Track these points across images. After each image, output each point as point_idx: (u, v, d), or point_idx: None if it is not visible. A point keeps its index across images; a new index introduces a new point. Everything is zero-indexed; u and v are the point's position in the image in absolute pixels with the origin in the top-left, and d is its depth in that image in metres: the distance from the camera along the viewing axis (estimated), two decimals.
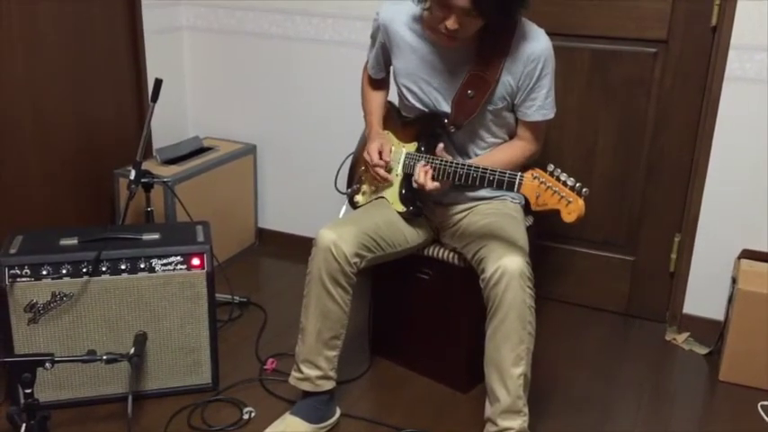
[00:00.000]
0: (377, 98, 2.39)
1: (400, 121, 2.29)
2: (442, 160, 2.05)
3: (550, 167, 1.82)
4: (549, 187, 1.80)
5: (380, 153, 2.20)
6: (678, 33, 2.58)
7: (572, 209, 1.77)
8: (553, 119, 2.17)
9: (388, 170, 2.22)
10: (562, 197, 1.78)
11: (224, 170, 3.14)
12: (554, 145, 2.77)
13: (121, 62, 3.03)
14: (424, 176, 2.05)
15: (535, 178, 1.83)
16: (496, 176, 1.92)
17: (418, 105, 2.20)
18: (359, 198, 2.36)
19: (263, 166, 3.36)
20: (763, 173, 2.53)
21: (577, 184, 1.78)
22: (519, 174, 1.87)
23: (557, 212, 1.80)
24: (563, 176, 1.80)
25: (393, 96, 2.38)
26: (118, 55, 3.01)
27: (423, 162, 2.08)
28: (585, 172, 2.83)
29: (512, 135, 2.23)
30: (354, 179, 2.42)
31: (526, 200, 1.89)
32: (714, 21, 2.51)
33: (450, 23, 1.93)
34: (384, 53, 2.28)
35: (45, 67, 2.70)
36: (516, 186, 1.88)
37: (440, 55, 2.12)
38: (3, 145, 2.58)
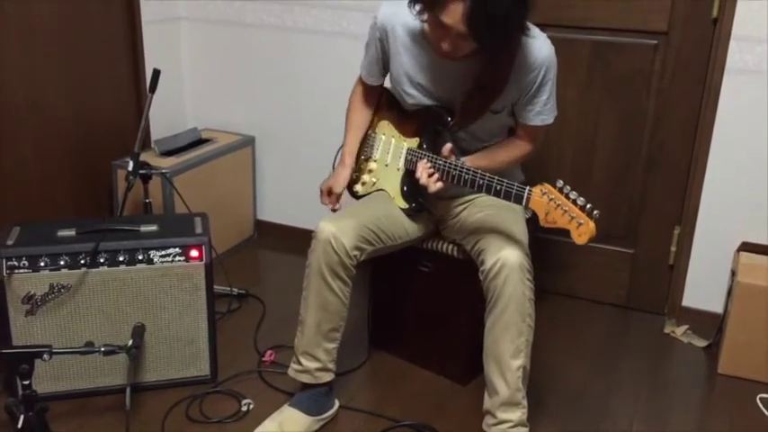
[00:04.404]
0: (363, 115, 2.33)
1: (401, 112, 2.26)
2: (446, 161, 2.02)
3: (560, 183, 1.80)
4: (559, 206, 1.78)
5: (330, 192, 2.28)
6: (679, 25, 2.57)
7: (583, 231, 1.76)
8: (552, 123, 2.15)
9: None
10: (573, 218, 1.77)
11: (222, 162, 3.13)
12: (554, 137, 2.77)
13: (119, 52, 3.02)
14: (426, 178, 2.03)
15: (544, 194, 1.81)
16: (504, 187, 1.90)
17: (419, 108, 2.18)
18: (358, 188, 2.35)
19: (261, 157, 3.35)
20: (762, 165, 2.52)
21: (588, 205, 1.76)
22: (527, 188, 1.85)
23: (566, 231, 1.78)
24: (573, 195, 1.78)
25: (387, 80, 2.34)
26: (115, 45, 3.00)
27: (426, 161, 2.06)
28: (585, 164, 2.82)
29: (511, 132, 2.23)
30: (353, 167, 2.40)
31: (536, 214, 1.87)
32: (715, 12, 2.50)
33: (446, 45, 1.89)
34: (383, 57, 2.21)
35: (42, 58, 2.69)
36: (524, 201, 1.86)
37: (444, 62, 2.04)
38: (0, 136, 2.57)
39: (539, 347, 2.11)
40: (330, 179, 2.32)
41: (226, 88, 3.34)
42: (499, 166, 2.12)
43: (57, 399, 2.19)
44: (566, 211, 1.78)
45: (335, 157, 2.47)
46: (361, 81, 2.34)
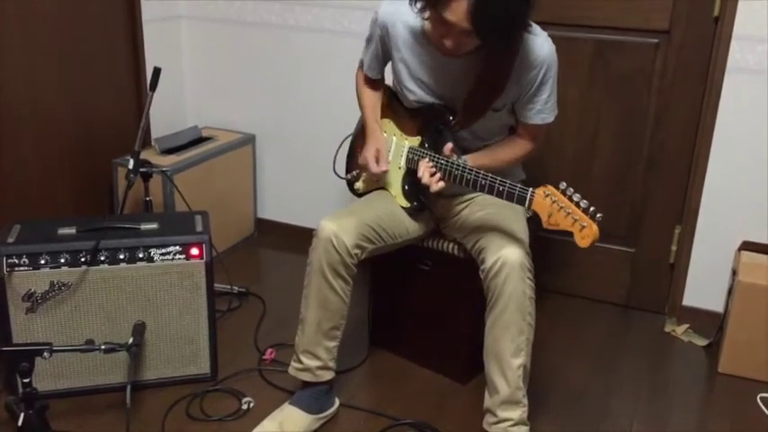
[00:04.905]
0: (374, 95, 2.33)
1: (403, 111, 2.26)
2: (448, 161, 2.02)
3: (563, 185, 1.79)
4: (562, 208, 1.78)
5: (378, 159, 2.18)
6: (680, 24, 2.57)
7: (586, 233, 1.75)
8: (553, 122, 2.15)
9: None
10: (576, 220, 1.76)
11: (223, 160, 3.13)
12: (555, 136, 2.76)
13: (120, 51, 3.02)
14: (428, 177, 2.03)
15: (547, 196, 1.81)
16: (506, 188, 1.89)
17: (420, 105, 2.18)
18: (359, 185, 2.35)
19: (262, 156, 3.35)
20: (763, 165, 2.52)
21: (591, 208, 1.75)
22: (530, 190, 1.85)
23: (569, 234, 1.78)
24: (576, 197, 1.77)
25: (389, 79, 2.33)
26: (116, 44, 3.00)
27: (427, 160, 2.05)
28: (586, 163, 2.82)
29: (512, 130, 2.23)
30: (353, 164, 2.40)
31: (537, 216, 1.86)
32: (716, 11, 2.50)
33: (449, 43, 1.89)
34: (384, 53, 2.22)
35: (43, 56, 2.68)
36: (527, 203, 1.86)
37: (445, 60, 2.04)
38: (1, 135, 2.57)
39: (539, 346, 2.11)
40: (366, 150, 2.21)
41: (226, 86, 3.34)
42: (500, 165, 2.12)
43: (57, 397, 2.19)
44: (569, 213, 1.77)
45: (335, 157, 2.47)
46: (362, 69, 2.34)
